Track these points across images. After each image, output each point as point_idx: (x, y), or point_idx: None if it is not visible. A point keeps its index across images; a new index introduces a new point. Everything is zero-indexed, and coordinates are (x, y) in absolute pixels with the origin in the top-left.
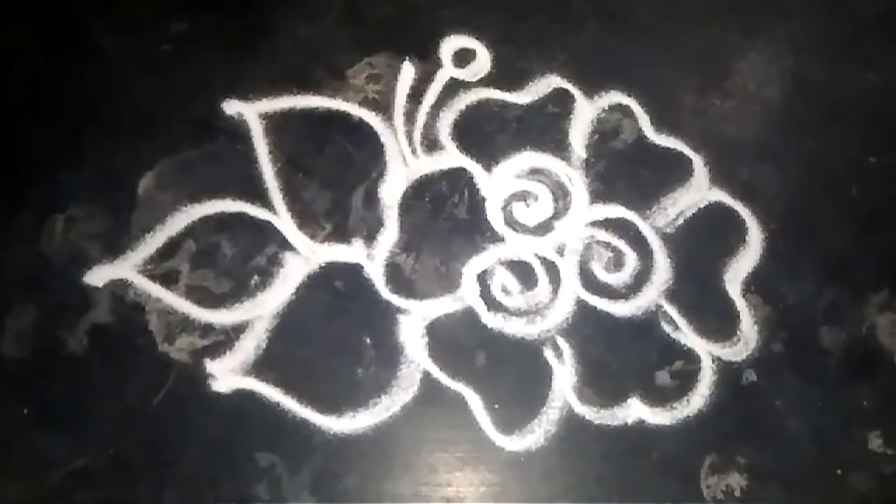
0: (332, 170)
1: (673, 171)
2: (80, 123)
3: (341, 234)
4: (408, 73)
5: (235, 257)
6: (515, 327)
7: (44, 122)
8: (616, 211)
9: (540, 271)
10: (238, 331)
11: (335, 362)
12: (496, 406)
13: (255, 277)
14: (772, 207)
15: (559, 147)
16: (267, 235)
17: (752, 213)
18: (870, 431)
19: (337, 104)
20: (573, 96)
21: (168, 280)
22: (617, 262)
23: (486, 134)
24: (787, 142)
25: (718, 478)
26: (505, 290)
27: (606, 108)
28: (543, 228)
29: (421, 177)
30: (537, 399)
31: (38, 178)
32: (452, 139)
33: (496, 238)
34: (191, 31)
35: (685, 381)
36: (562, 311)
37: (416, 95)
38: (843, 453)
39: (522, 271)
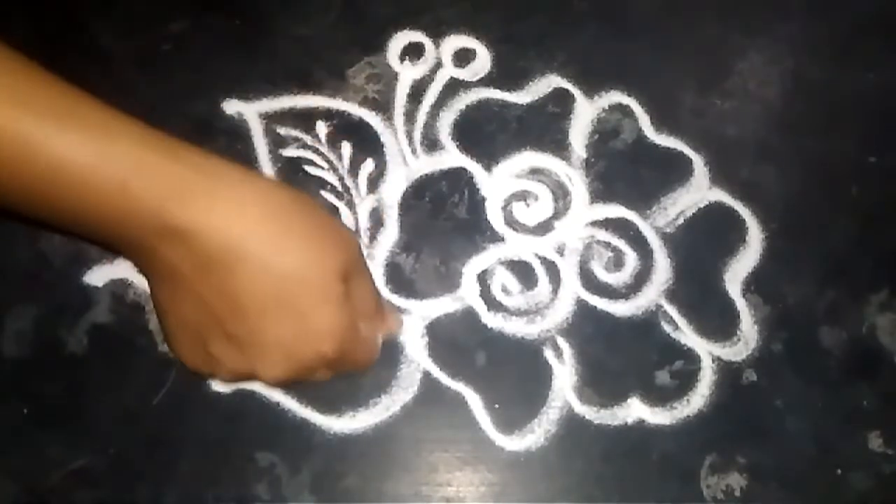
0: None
1: (673, 171)
2: None
3: None
4: (408, 72)
5: None
6: (515, 327)
7: None
8: (616, 211)
9: (540, 271)
10: None
11: None
12: (496, 406)
13: None
14: (772, 207)
15: (559, 147)
16: None
17: (752, 213)
18: (870, 431)
19: (337, 104)
20: (573, 96)
21: None
22: (617, 262)
23: (486, 134)
24: (787, 142)
25: (718, 478)
26: (505, 290)
27: (606, 108)
28: (543, 228)
29: (421, 177)
30: (537, 399)
31: None
32: (452, 139)
33: (496, 238)
34: (191, 31)
35: (685, 381)
36: (562, 310)
37: (416, 95)
38: (843, 453)
39: (522, 271)
